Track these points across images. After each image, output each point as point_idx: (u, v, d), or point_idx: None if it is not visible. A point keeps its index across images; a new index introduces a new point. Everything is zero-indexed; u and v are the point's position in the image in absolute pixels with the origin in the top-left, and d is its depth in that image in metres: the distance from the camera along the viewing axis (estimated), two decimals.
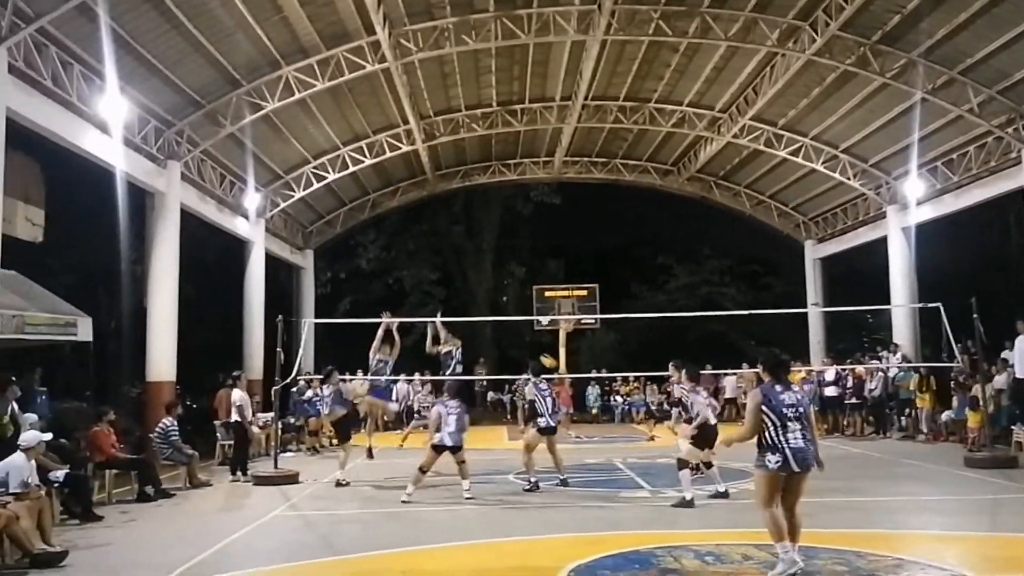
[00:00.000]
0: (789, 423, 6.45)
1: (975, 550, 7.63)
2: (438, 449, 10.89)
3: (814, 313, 26.73)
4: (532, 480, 11.47)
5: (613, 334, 34.08)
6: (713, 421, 10.46)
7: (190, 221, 18.82)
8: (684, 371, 10.99)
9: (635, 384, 25.64)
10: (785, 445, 6.40)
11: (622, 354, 33.43)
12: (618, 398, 26.57)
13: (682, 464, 10.06)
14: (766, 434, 6.49)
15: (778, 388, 6.62)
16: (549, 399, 11.82)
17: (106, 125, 14.60)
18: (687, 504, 9.72)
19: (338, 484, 12.19)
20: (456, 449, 10.92)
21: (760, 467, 6.51)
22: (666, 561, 7.07)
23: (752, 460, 6.65)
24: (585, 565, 7.00)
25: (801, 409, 6.57)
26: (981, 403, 14.26)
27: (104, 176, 15.65)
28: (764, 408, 6.51)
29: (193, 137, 17.89)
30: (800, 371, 21.26)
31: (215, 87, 17.18)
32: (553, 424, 11.80)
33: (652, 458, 14.87)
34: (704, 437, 10.28)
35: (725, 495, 10.24)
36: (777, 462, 6.40)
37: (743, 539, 7.77)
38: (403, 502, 10.46)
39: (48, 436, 9.19)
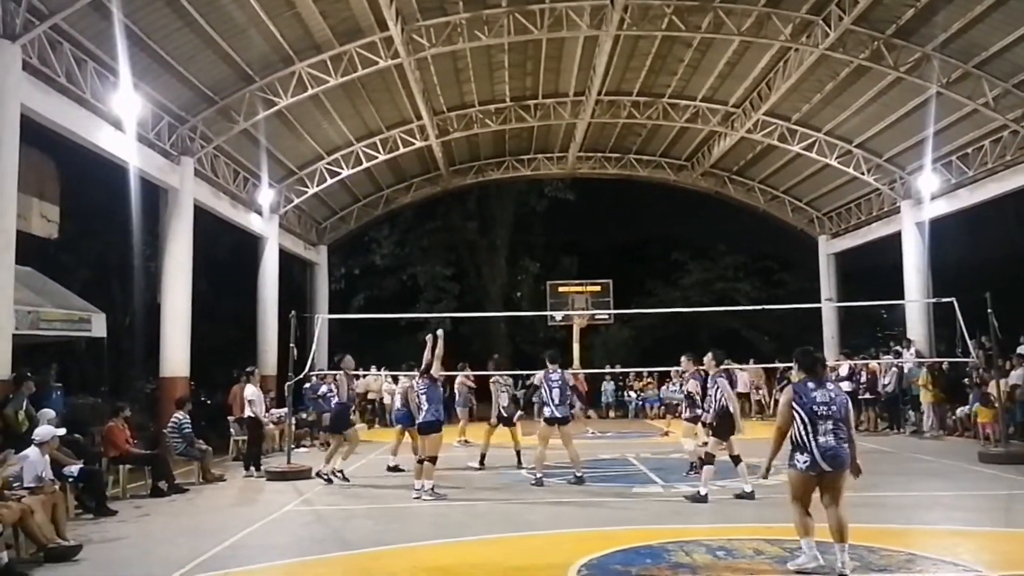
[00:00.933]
0: (820, 422, 6.38)
1: (989, 546, 7.58)
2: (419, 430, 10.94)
3: (828, 308, 26.62)
4: (537, 475, 11.36)
5: (627, 330, 34.07)
6: (733, 408, 10.30)
7: (204, 217, 18.89)
8: (711, 356, 10.61)
9: (649, 380, 25.62)
10: (813, 445, 6.35)
11: (636, 350, 33.41)
12: (632, 393, 26.56)
13: (709, 459, 9.98)
14: (796, 432, 6.47)
15: (811, 385, 6.55)
16: (556, 389, 11.53)
17: (120, 122, 14.70)
18: (701, 499, 9.67)
19: (318, 475, 12.10)
20: (425, 429, 10.74)
21: (791, 466, 6.54)
22: (677, 556, 7.06)
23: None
24: (597, 559, 6.99)
25: (834, 408, 6.45)
26: (993, 398, 14.18)
27: (118, 172, 15.76)
28: (795, 404, 6.48)
29: (207, 133, 17.97)
30: None
31: (228, 83, 17.25)
32: (559, 415, 11.45)
33: (665, 453, 14.87)
34: (726, 427, 10.13)
35: (751, 496, 9.84)
36: (805, 462, 6.39)
37: (755, 534, 7.77)
38: (413, 499, 10.48)
39: (62, 431, 9.27)
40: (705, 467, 9.96)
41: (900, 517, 8.94)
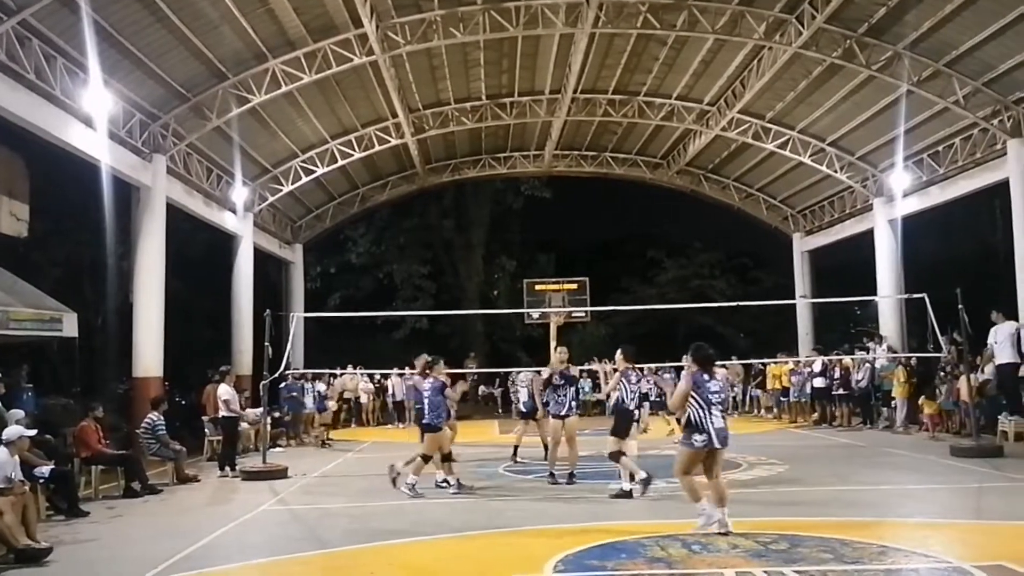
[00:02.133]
0: (712, 407, 7.66)
1: (960, 537, 7.67)
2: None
3: (802, 305, 26.82)
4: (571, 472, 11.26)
5: (604, 327, 34.17)
6: (631, 407, 10.32)
7: (177, 215, 18.73)
8: (621, 351, 10.71)
9: None
10: (710, 426, 7.59)
11: (613, 347, 33.36)
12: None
13: (614, 456, 10.07)
14: (693, 415, 7.66)
15: (706, 377, 7.80)
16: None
17: (90, 119, 14.53)
18: (626, 495, 9.75)
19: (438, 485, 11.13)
20: (430, 429, 10.80)
21: (687, 445, 7.73)
22: (653, 550, 7.09)
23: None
24: (573, 555, 7.00)
25: (722, 396, 7.97)
26: (967, 391, 14.42)
27: (89, 170, 15.55)
28: (693, 392, 7.68)
29: (179, 130, 17.79)
30: (788, 362, 21.38)
31: (201, 80, 17.08)
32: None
33: (642, 450, 14.87)
34: (622, 424, 10.22)
35: (629, 495, 9.79)
36: (703, 441, 7.61)
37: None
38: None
39: (31, 432, 9.13)
40: (622, 460, 9.99)
41: (872, 510, 9.03)
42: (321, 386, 19.47)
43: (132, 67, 15.32)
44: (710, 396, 7.65)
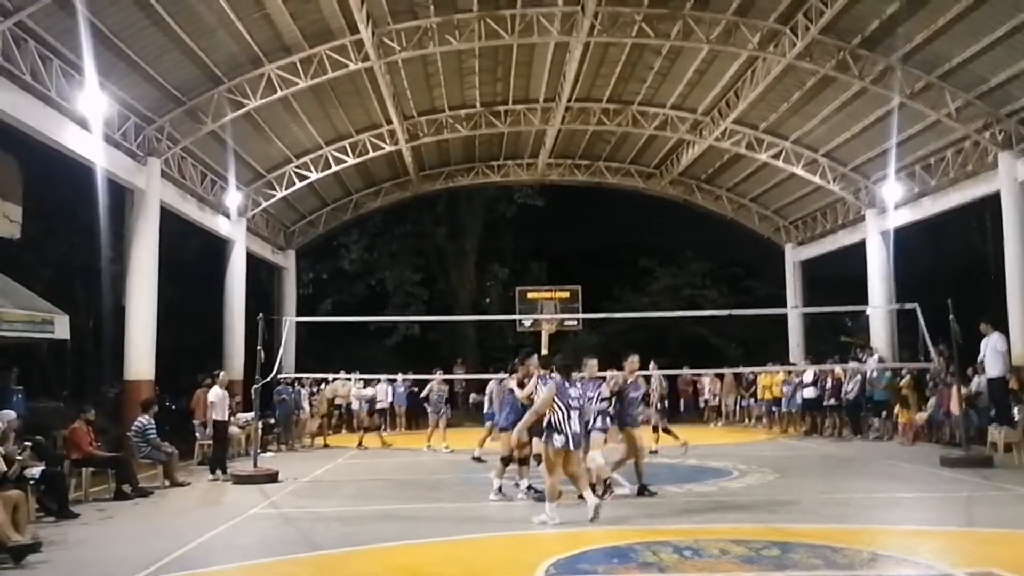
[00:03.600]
0: (571, 412, 8.60)
1: (949, 545, 7.70)
2: None
3: (794, 315, 26.89)
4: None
5: (596, 336, 34.14)
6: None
7: (170, 219, 18.67)
8: (530, 360, 10.73)
9: None
10: (568, 429, 8.52)
11: (605, 355, 33.37)
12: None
13: (536, 460, 10.09)
14: (554, 418, 8.56)
15: (567, 384, 8.72)
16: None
17: (86, 121, 14.51)
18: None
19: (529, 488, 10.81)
20: (501, 429, 10.88)
21: (548, 444, 8.60)
22: (645, 556, 7.10)
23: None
24: (565, 559, 7.01)
25: (580, 402, 8.79)
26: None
27: (83, 172, 15.55)
28: (556, 398, 8.58)
29: (174, 134, 17.77)
30: (779, 372, 21.42)
31: (196, 84, 17.08)
32: None
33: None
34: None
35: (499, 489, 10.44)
36: (562, 442, 8.52)
37: (721, 535, 7.83)
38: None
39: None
40: (540, 467, 9.83)
41: (863, 518, 9.06)
42: (369, 391, 20.39)
43: (128, 70, 15.31)
44: (570, 401, 8.60)
